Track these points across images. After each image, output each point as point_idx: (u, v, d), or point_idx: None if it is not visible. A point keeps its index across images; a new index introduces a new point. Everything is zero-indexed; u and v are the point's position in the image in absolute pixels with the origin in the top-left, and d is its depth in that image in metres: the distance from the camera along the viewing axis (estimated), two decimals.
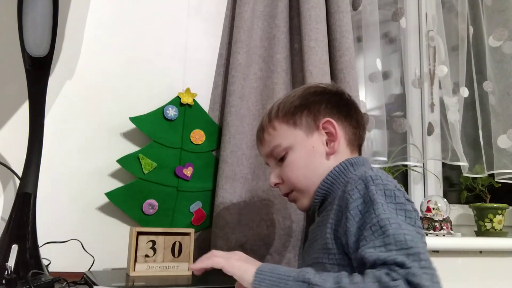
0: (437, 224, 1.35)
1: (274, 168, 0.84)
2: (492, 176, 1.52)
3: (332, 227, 0.69)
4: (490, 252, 1.41)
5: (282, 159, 0.81)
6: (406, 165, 1.53)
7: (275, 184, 0.84)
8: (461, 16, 1.55)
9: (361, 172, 0.70)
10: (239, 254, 0.69)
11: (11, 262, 0.73)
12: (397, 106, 1.61)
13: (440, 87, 1.53)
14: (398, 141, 1.50)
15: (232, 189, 1.14)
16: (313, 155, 0.79)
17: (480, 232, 1.52)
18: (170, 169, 1.14)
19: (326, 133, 0.80)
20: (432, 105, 1.56)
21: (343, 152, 0.81)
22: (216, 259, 0.67)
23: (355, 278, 0.57)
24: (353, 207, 0.65)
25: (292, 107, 0.82)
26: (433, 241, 1.30)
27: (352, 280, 0.56)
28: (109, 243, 1.09)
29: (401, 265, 0.54)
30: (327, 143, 0.80)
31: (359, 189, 0.66)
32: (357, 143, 0.84)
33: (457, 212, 1.63)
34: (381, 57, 1.40)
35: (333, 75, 1.22)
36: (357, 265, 0.61)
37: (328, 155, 0.79)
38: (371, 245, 0.59)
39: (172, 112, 1.15)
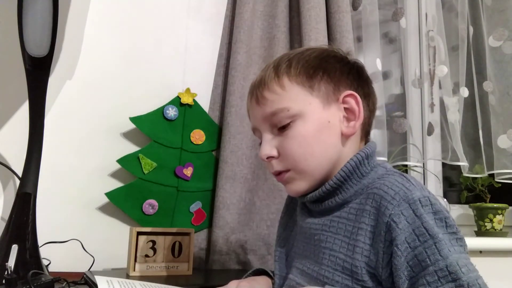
0: None
1: (267, 136, 0.67)
2: (492, 176, 1.52)
3: (363, 252, 0.58)
4: (490, 252, 1.41)
5: (283, 128, 0.65)
6: (406, 165, 1.53)
7: (268, 158, 0.67)
8: (461, 16, 1.55)
9: (398, 187, 0.58)
10: None
11: (11, 262, 0.72)
12: (397, 106, 1.61)
13: (440, 87, 1.53)
14: (398, 141, 1.50)
15: (232, 189, 1.14)
16: (327, 131, 0.64)
17: (480, 232, 1.52)
18: (170, 169, 1.14)
19: (345, 108, 0.66)
20: (432, 105, 1.56)
21: (357, 136, 0.68)
22: None
23: None
24: (401, 240, 0.54)
25: (309, 67, 0.66)
26: None
27: None
28: (109, 243, 1.09)
29: None
30: (345, 121, 0.66)
31: (406, 215, 0.55)
32: (366, 129, 0.70)
33: (457, 212, 1.63)
34: (381, 57, 1.40)
35: None
36: None
37: (344, 135, 0.65)
38: None
39: (172, 112, 1.15)
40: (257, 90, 0.67)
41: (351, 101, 0.65)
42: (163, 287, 0.75)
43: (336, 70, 0.66)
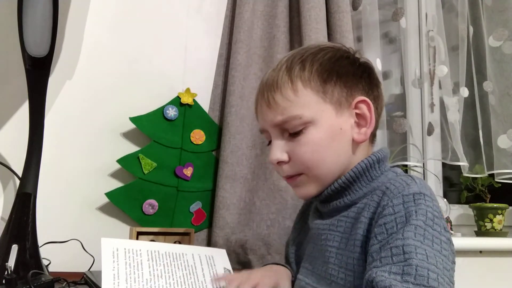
0: None
1: (277, 140, 0.66)
2: (492, 176, 1.52)
3: (361, 244, 0.59)
4: (490, 252, 1.41)
5: (295, 134, 0.65)
6: (406, 165, 1.53)
7: (279, 162, 0.66)
8: (461, 16, 1.55)
9: (400, 183, 0.59)
10: None
11: (11, 262, 0.73)
12: (397, 106, 1.61)
13: (440, 87, 1.53)
14: (398, 141, 1.50)
15: (232, 189, 1.14)
16: (339, 138, 0.64)
17: (480, 232, 1.52)
18: (170, 169, 1.14)
19: (356, 114, 0.65)
20: (432, 105, 1.56)
21: (366, 141, 0.68)
22: None
23: None
24: (380, 223, 0.55)
25: (323, 71, 0.64)
26: None
27: None
28: None
29: None
30: (356, 127, 0.66)
31: (395, 204, 0.56)
32: (373, 132, 0.70)
33: (457, 212, 1.63)
34: (381, 57, 1.40)
35: None
36: None
37: (356, 142, 0.65)
38: (386, 269, 0.50)
39: (172, 112, 1.15)
40: (269, 92, 0.66)
41: (364, 108, 0.65)
42: (171, 246, 0.76)
43: (349, 74, 0.66)
